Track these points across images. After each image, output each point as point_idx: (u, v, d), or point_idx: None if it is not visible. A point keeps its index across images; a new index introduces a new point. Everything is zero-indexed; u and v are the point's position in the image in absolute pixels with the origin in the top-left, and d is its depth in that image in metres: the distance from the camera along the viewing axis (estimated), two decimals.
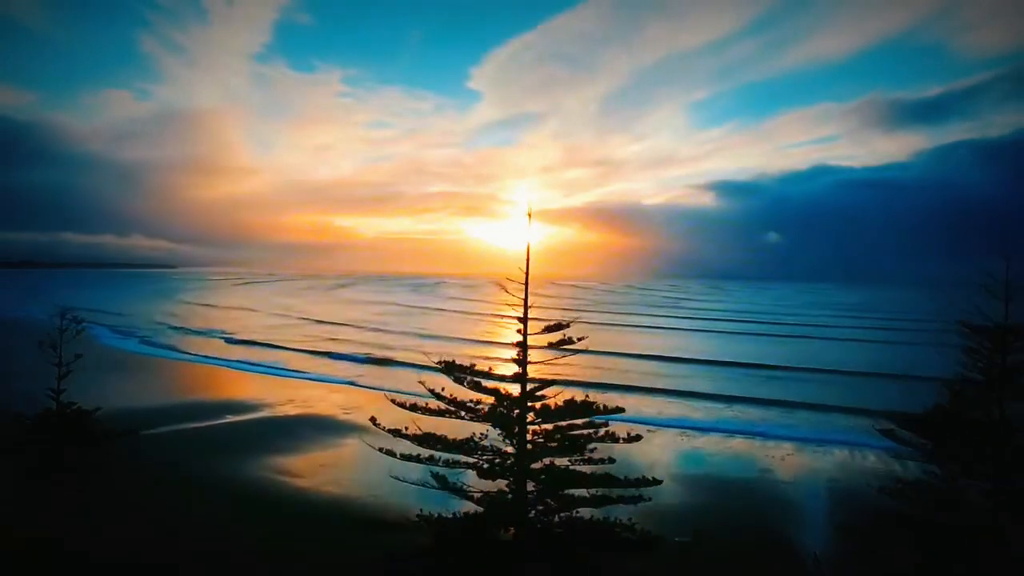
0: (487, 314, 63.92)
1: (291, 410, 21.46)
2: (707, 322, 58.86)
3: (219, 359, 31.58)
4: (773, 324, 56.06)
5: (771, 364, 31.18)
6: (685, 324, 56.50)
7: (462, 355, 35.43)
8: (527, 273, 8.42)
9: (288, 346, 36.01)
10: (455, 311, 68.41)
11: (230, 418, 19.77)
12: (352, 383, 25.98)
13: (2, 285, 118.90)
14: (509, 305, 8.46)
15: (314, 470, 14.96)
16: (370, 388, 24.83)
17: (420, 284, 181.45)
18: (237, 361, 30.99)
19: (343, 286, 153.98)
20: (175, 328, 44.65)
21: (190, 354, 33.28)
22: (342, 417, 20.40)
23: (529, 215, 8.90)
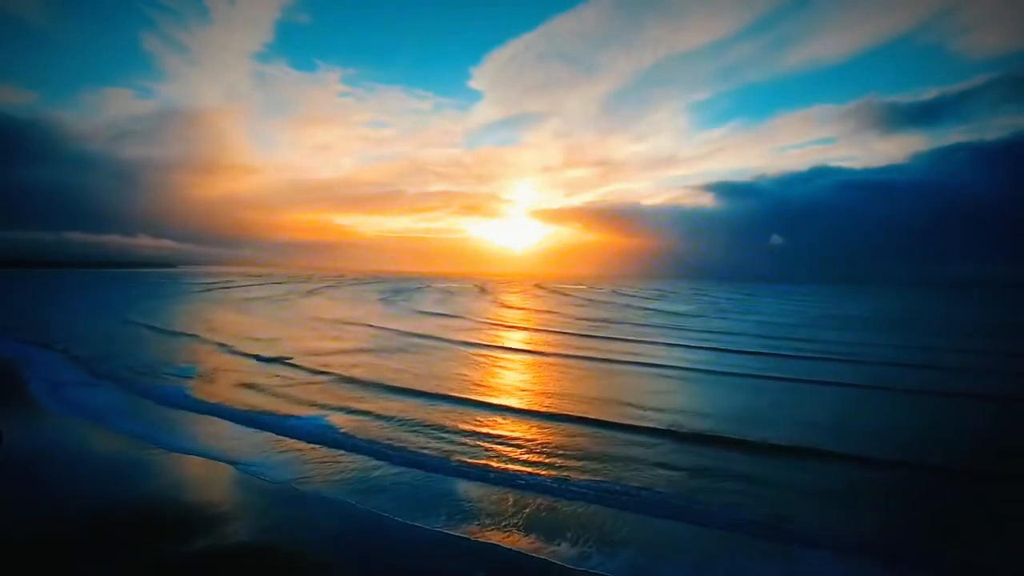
0: (478, 344, 57.75)
1: (232, 532, 15.29)
2: (708, 352, 53.19)
3: (139, 433, 24.93)
4: (788, 357, 50.67)
5: (814, 447, 25.37)
6: (679, 355, 50.87)
7: (438, 419, 28.07)
8: None
9: (224, 405, 29.53)
10: (437, 340, 62.42)
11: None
12: (290, 483, 19.74)
13: None
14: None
15: None
16: (318, 495, 18.71)
17: (412, 288, 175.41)
18: (151, 432, 24.43)
19: (318, 292, 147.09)
20: (94, 373, 37.40)
21: (100, 421, 26.52)
22: (290, 552, 14.35)
23: None
